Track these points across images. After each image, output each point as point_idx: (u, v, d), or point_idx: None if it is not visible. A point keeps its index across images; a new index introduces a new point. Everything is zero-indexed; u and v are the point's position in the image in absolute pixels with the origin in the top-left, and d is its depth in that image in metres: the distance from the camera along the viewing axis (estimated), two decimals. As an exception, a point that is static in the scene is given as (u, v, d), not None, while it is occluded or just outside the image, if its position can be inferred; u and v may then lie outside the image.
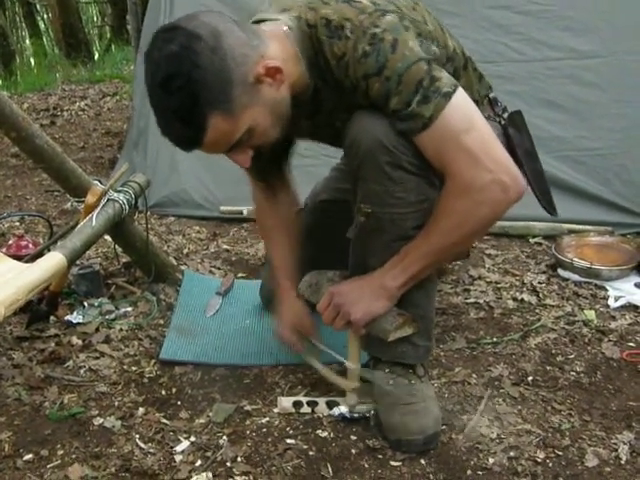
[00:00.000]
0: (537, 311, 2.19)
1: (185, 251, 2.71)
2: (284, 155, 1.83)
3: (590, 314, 2.14)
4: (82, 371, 1.85)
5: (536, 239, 2.78)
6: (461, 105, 1.38)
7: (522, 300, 2.25)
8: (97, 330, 2.05)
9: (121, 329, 2.05)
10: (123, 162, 3.49)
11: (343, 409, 1.64)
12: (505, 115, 1.75)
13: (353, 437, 1.58)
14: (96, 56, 12.02)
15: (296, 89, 1.45)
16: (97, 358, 1.91)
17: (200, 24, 1.30)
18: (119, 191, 2.05)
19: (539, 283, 2.38)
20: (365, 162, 1.43)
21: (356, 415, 1.63)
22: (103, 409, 1.69)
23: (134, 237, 2.22)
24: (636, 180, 2.79)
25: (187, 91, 1.28)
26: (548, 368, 1.86)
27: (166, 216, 3.11)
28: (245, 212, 2.99)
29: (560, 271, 2.44)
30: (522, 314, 2.17)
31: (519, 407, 1.69)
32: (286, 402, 1.68)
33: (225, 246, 2.77)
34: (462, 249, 1.64)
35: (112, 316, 2.12)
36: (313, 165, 2.66)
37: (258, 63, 1.34)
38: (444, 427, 1.60)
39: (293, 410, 1.67)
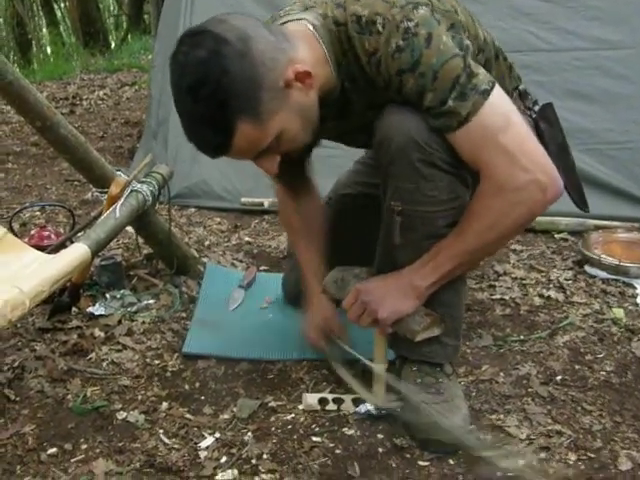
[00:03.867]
0: (564, 308, 2.15)
1: (206, 243, 2.69)
2: (306, 155, 1.80)
3: (619, 312, 2.10)
4: (105, 364, 1.84)
5: (562, 235, 2.73)
6: (498, 102, 1.34)
7: (549, 297, 2.22)
8: (119, 322, 2.03)
9: (143, 322, 2.04)
10: (142, 152, 3.49)
11: (369, 406, 1.61)
12: (536, 108, 1.70)
13: (380, 435, 1.55)
14: (113, 45, 12.02)
15: (324, 91, 1.41)
16: (120, 351, 1.90)
17: (229, 27, 1.27)
18: (142, 182, 2.03)
19: (565, 280, 2.34)
20: (396, 159, 1.40)
21: (383, 412, 1.60)
22: (126, 403, 1.67)
23: (156, 229, 2.20)
24: (665, 175, 2.74)
25: (215, 98, 1.25)
26: (577, 367, 1.83)
27: (187, 207, 3.09)
28: (266, 204, 2.96)
29: (587, 268, 2.39)
30: (549, 311, 2.13)
31: (548, 407, 1.65)
32: (311, 399, 1.66)
33: (247, 238, 2.75)
34: (494, 250, 1.60)
35: (134, 308, 2.10)
36: (333, 156, 2.61)
37: (287, 67, 1.31)
38: (472, 426, 1.57)
39: (318, 407, 1.64)
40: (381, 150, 1.43)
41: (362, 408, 1.62)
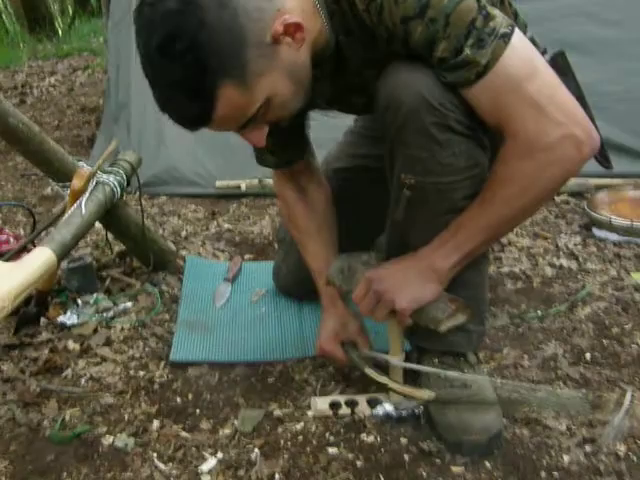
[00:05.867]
0: (579, 277, 1.99)
1: (183, 234, 2.46)
2: (299, 125, 1.58)
3: (638, 277, 1.95)
4: (83, 380, 1.62)
5: (562, 197, 2.57)
6: (521, 47, 1.15)
7: (561, 266, 2.06)
8: (95, 331, 1.81)
9: (122, 328, 1.82)
10: (103, 139, 3.24)
11: (387, 407, 1.43)
12: (547, 57, 1.51)
13: (403, 440, 1.37)
14: (60, 31, 11.56)
15: (316, 47, 1.21)
16: (98, 364, 1.68)
17: None
18: (108, 172, 1.81)
19: (575, 245, 2.19)
20: (407, 124, 1.20)
21: (403, 413, 1.42)
22: (112, 424, 1.47)
23: (128, 223, 1.99)
24: (665, 126, 2.58)
25: (192, 56, 1.04)
26: (605, 342, 1.68)
27: (157, 196, 2.85)
28: (243, 186, 2.75)
29: (595, 231, 2.24)
30: (564, 282, 1.97)
31: (583, 391, 1.49)
32: (321, 403, 1.47)
33: (226, 225, 2.53)
34: (523, 220, 1.40)
35: (110, 314, 1.88)
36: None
37: (275, 19, 1.10)
38: (505, 421, 1.40)
39: (330, 412, 1.46)
40: (387, 115, 1.23)
41: (379, 410, 1.44)
